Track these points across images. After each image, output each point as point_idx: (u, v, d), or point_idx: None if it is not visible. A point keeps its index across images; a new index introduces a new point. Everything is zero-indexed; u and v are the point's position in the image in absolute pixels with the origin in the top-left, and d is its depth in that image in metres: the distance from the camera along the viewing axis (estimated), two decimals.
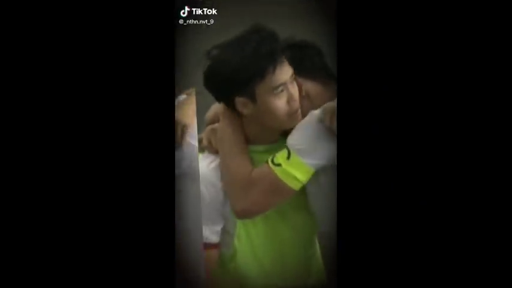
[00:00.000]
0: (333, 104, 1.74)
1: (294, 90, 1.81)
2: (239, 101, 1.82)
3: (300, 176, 1.78)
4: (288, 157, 1.78)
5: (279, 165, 1.78)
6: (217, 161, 1.89)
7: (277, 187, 1.79)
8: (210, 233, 1.86)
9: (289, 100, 1.80)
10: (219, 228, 1.88)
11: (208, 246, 1.84)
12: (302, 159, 1.77)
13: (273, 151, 1.84)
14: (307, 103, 1.84)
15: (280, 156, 1.79)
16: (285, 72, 1.79)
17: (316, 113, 1.79)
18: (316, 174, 1.80)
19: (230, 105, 1.84)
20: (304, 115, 1.82)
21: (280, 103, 1.80)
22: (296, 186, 1.79)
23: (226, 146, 1.86)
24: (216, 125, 1.91)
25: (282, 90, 1.80)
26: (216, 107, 1.94)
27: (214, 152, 1.90)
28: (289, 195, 1.81)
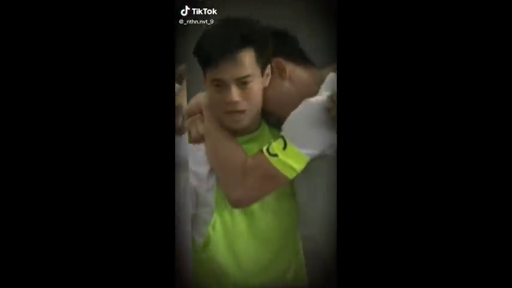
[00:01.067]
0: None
1: (235, 92, 1.79)
2: (203, 80, 1.85)
3: (296, 166, 1.78)
4: (284, 147, 1.78)
5: (275, 155, 1.79)
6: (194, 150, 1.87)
7: (273, 177, 1.80)
8: None
9: (226, 99, 1.80)
10: None
11: None
12: (298, 149, 1.78)
13: (257, 139, 1.88)
14: (290, 85, 1.86)
15: (276, 147, 1.79)
16: (230, 70, 1.78)
17: (311, 101, 1.79)
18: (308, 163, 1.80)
19: None
20: (286, 97, 1.84)
21: (216, 97, 1.82)
22: (291, 175, 1.80)
23: (216, 136, 1.87)
24: (198, 115, 1.91)
25: (218, 85, 1.80)
26: (197, 99, 1.94)
27: (194, 141, 1.89)
28: (284, 184, 1.83)
